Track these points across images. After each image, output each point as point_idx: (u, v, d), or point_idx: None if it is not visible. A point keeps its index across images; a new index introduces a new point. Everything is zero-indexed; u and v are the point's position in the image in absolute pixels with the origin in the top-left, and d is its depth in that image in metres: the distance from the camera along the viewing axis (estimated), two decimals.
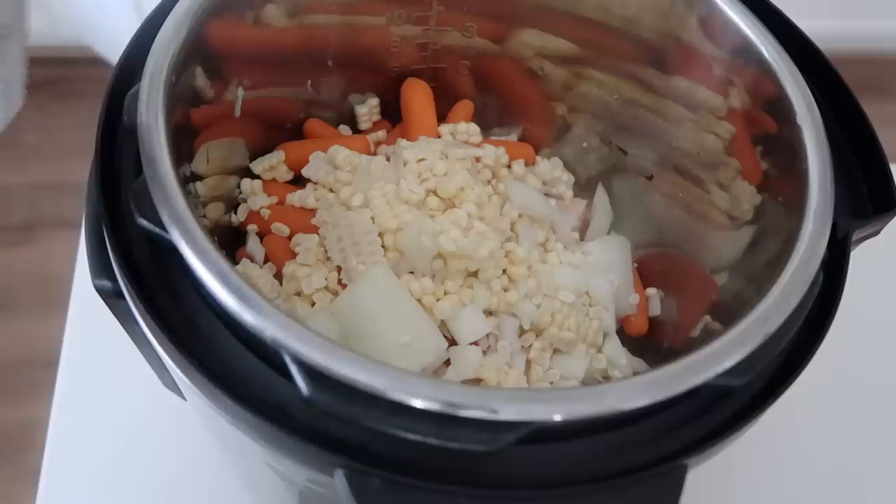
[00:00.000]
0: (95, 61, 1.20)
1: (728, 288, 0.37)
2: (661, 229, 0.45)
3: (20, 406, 0.99)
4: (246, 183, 0.42)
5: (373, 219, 0.39)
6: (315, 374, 0.24)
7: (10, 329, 1.06)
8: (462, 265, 0.39)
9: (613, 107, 0.44)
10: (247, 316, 0.25)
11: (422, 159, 0.41)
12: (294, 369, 0.24)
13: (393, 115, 0.47)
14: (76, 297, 0.53)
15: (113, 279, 0.28)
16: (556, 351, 0.41)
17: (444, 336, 0.38)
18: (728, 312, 0.36)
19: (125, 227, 0.28)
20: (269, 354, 0.25)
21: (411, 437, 0.23)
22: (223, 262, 0.26)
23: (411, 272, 0.39)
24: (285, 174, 0.43)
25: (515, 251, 0.40)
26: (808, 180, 0.31)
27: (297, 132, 0.45)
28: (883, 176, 0.33)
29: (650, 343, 0.43)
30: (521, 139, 0.48)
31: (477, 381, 0.38)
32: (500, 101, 0.47)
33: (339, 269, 0.39)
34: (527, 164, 0.47)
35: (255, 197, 0.41)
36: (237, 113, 0.39)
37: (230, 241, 0.41)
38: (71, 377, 0.50)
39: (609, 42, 0.41)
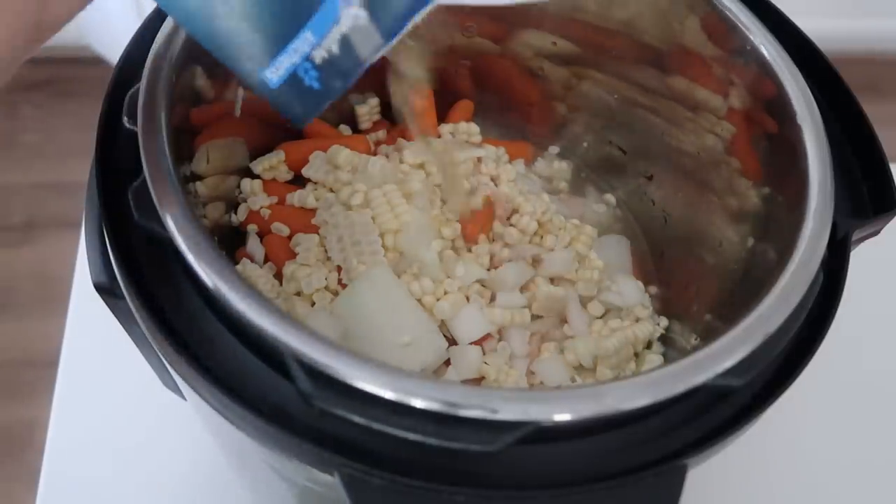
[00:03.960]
0: (95, 61, 1.20)
1: (728, 287, 0.37)
2: (661, 229, 0.45)
3: (20, 406, 0.99)
4: (246, 183, 0.41)
5: (373, 219, 0.39)
6: (315, 374, 0.24)
7: (10, 329, 1.06)
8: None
9: (613, 106, 0.44)
10: (247, 316, 0.25)
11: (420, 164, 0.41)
12: (294, 369, 0.24)
13: (393, 115, 0.47)
14: (76, 297, 0.53)
15: (113, 279, 0.28)
16: None
17: (444, 336, 0.38)
18: (728, 312, 0.36)
19: (125, 227, 0.28)
20: (269, 354, 0.25)
21: (411, 437, 0.23)
22: (223, 262, 0.26)
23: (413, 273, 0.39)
24: (285, 174, 0.43)
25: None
26: (808, 180, 0.31)
27: (297, 132, 0.45)
28: (883, 176, 0.33)
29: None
30: (521, 138, 0.48)
31: (478, 381, 0.38)
32: (500, 101, 0.47)
33: (339, 268, 0.39)
34: (526, 164, 0.47)
35: (255, 197, 0.41)
36: (237, 113, 0.39)
37: (230, 241, 0.41)
38: (71, 377, 0.50)
39: (609, 42, 0.41)
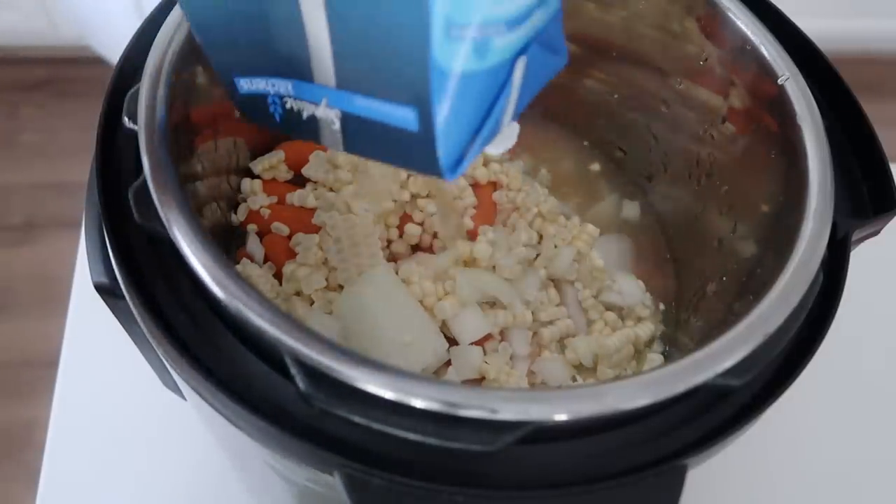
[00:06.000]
0: (95, 61, 1.20)
1: (729, 287, 0.37)
2: (661, 229, 0.45)
3: (20, 406, 0.99)
4: (246, 183, 0.41)
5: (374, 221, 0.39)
6: (315, 374, 0.24)
7: (10, 329, 1.06)
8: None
9: (613, 107, 0.44)
10: (247, 316, 0.25)
11: None
12: (294, 369, 0.24)
13: None
14: (76, 297, 0.53)
15: (113, 279, 0.28)
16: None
17: (445, 336, 0.38)
18: (729, 311, 0.36)
19: (125, 227, 0.28)
20: (269, 354, 0.25)
21: (411, 437, 0.23)
22: (223, 262, 0.26)
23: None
24: (285, 174, 0.43)
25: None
26: (808, 180, 0.31)
27: None
28: (883, 176, 0.33)
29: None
30: (521, 137, 0.48)
31: (478, 382, 0.38)
32: None
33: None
34: (526, 163, 0.47)
35: (255, 197, 0.41)
36: (237, 113, 0.39)
37: (230, 241, 0.41)
38: (71, 377, 0.50)
39: (609, 42, 0.41)
